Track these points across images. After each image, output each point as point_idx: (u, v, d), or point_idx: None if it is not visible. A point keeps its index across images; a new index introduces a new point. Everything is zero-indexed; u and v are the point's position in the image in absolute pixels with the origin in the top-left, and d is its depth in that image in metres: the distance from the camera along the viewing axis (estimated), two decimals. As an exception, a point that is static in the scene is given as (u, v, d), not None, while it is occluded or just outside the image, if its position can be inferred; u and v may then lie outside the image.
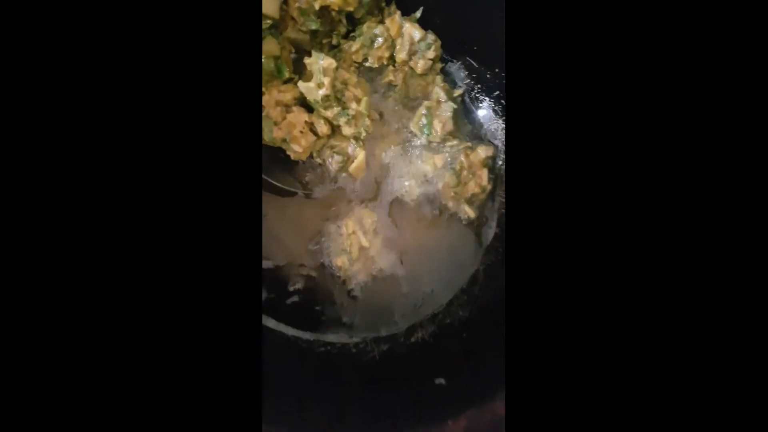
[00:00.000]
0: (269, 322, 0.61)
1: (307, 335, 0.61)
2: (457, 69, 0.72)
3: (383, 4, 0.67)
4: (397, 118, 0.69)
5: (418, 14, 0.67)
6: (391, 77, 0.68)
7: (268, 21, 0.57)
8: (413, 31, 0.65)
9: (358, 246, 0.64)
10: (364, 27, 0.65)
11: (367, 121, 0.62)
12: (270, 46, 0.57)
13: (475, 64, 0.70)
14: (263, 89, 0.58)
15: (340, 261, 0.64)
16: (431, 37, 0.65)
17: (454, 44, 0.70)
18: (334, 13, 0.63)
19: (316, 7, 0.61)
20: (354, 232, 0.64)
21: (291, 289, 0.63)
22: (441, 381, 0.51)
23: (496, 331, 0.54)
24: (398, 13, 0.65)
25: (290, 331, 0.61)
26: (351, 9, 0.62)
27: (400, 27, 0.65)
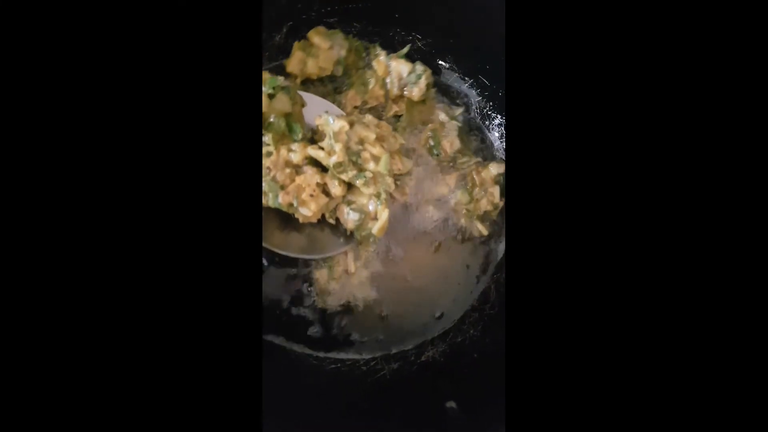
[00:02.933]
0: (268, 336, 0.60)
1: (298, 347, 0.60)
2: (468, 87, 0.73)
3: (363, 54, 0.69)
4: (409, 146, 0.69)
5: (404, 51, 0.68)
6: (396, 108, 0.69)
7: (280, 78, 0.54)
8: (401, 68, 0.66)
9: (344, 267, 0.62)
10: (353, 77, 0.67)
11: (389, 180, 0.56)
12: (281, 104, 0.53)
13: (487, 82, 0.71)
14: (272, 150, 0.54)
15: (318, 273, 0.62)
16: (420, 67, 0.66)
17: (466, 63, 0.71)
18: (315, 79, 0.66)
19: (298, 81, 0.63)
20: (345, 252, 0.62)
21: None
22: (452, 405, 0.50)
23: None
24: (384, 53, 0.67)
25: (301, 348, 0.61)
26: (328, 73, 0.64)
27: (387, 66, 0.67)
